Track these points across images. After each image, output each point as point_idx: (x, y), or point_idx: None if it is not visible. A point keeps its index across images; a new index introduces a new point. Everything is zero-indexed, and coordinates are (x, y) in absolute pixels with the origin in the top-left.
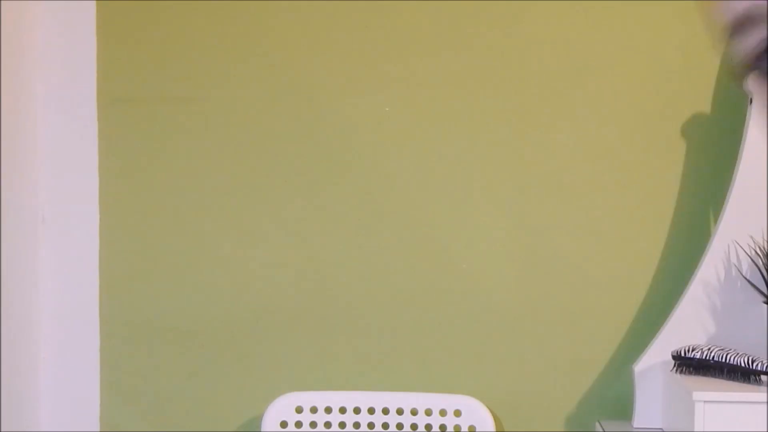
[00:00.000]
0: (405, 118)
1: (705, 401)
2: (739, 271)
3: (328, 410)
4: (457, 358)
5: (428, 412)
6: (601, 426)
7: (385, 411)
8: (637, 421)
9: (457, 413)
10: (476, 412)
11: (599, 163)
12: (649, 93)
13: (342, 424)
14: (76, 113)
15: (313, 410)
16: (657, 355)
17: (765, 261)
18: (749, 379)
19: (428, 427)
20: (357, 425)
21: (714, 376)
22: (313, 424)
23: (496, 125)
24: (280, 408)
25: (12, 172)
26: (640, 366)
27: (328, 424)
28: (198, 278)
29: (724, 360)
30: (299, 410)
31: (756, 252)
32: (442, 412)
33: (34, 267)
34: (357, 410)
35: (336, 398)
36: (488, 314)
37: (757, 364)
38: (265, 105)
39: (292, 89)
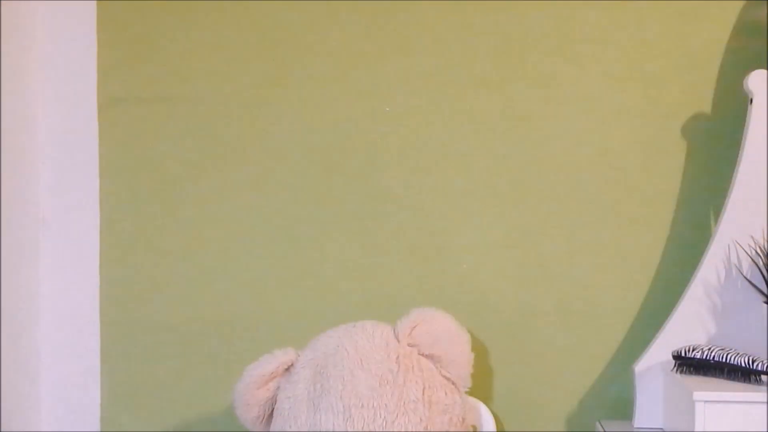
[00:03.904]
0: (405, 118)
1: (705, 401)
2: (739, 271)
3: None
4: None
5: None
6: (602, 426)
7: None
8: (638, 421)
9: None
10: (477, 412)
11: (599, 163)
12: (649, 93)
13: None
14: (76, 113)
15: None
16: (657, 355)
17: (765, 261)
18: (749, 379)
19: None
20: None
21: (714, 376)
22: None
23: (496, 125)
24: None
25: (12, 172)
26: (640, 366)
27: None
28: (198, 278)
29: (724, 360)
30: None
31: (756, 252)
32: None
33: (34, 267)
34: None
35: None
36: (488, 314)
37: (757, 364)
38: (265, 105)
39: (292, 89)
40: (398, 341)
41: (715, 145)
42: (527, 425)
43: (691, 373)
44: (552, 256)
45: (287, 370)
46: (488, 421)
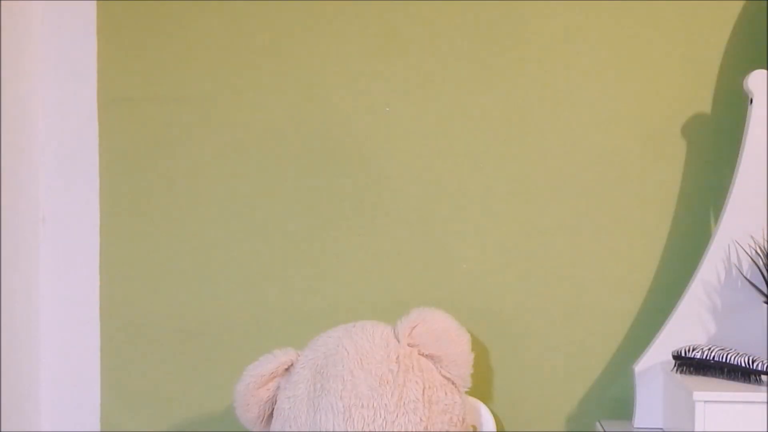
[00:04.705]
0: (405, 118)
1: (705, 401)
2: (739, 271)
3: None
4: None
5: None
6: (602, 426)
7: None
8: (638, 421)
9: None
10: (477, 412)
11: (599, 163)
12: (649, 93)
13: None
14: (76, 113)
15: None
16: (657, 355)
17: (765, 261)
18: (749, 379)
19: None
20: None
21: (714, 376)
22: None
23: (496, 125)
24: None
25: (12, 172)
26: (640, 366)
27: None
28: (198, 278)
29: (724, 360)
30: None
31: (756, 252)
32: None
33: (34, 267)
34: None
35: None
36: (488, 314)
37: (757, 364)
38: (266, 105)
39: (292, 89)
40: (398, 341)
41: (715, 145)
42: (527, 425)
43: (691, 373)
44: (552, 255)
45: (287, 370)
46: (488, 421)
